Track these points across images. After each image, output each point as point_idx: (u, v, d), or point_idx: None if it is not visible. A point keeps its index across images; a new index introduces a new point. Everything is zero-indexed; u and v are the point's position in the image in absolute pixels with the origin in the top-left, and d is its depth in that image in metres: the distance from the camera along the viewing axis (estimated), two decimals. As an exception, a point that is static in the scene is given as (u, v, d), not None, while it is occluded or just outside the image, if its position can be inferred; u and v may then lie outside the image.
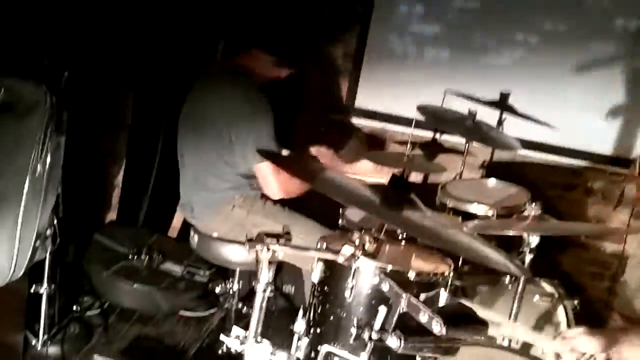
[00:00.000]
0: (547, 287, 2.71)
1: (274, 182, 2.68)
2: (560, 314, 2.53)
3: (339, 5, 3.89)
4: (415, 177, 3.90)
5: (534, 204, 2.29)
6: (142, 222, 3.85)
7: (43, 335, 2.68)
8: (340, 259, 1.62)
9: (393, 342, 1.47)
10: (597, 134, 3.72)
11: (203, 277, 3.47)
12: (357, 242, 1.58)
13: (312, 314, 1.93)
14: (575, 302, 2.60)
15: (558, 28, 3.70)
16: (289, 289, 3.50)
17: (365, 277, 1.76)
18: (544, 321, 2.50)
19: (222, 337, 1.61)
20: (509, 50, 3.77)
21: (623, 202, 3.43)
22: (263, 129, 2.67)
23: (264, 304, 1.59)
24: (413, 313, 1.44)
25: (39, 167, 2.33)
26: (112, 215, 4.02)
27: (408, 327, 1.48)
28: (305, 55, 2.98)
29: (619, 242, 3.76)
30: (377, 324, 1.53)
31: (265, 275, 1.57)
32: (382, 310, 1.53)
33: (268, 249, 1.55)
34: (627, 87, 3.61)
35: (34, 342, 2.69)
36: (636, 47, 3.57)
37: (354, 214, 2.80)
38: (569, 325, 2.47)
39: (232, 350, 1.62)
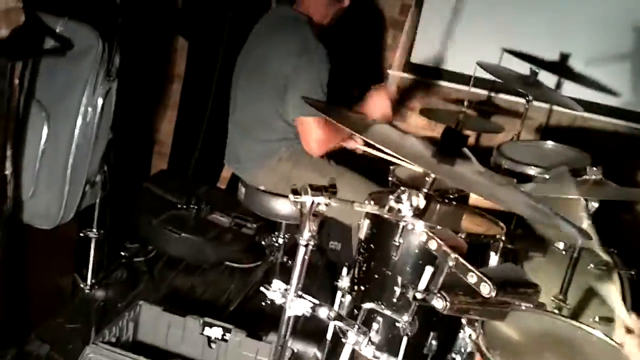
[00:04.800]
0: (603, 255, 2.61)
1: (315, 137, 2.61)
2: (615, 283, 2.44)
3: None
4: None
5: (594, 167, 2.20)
6: (192, 173, 3.85)
7: (91, 279, 2.72)
8: (387, 215, 1.56)
9: (438, 303, 1.40)
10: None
11: (250, 229, 3.47)
12: (406, 199, 1.50)
13: (357, 271, 1.90)
14: (632, 272, 2.51)
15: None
16: (335, 245, 3.46)
17: (413, 235, 1.71)
18: (596, 289, 2.42)
19: (262, 289, 1.58)
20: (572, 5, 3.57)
21: None
22: (317, 80, 2.59)
23: (306, 258, 1.54)
24: (461, 274, 1.37)
25: (89, 112, 2.33)
26: (162, 165, 4.03)
27: (454, 288, 1.41)
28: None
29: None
30: (422, 284, 1.47)
31: (308, 228, 1.52)
32: (429, 270, 1.47)
33: (312, 202, 1.50)
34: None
35: (82, 285, 2.74)
36: None
37: (402, 172, 2.73)
38: (623, 295, 2.37)
39: (275, 302, 1.59)
